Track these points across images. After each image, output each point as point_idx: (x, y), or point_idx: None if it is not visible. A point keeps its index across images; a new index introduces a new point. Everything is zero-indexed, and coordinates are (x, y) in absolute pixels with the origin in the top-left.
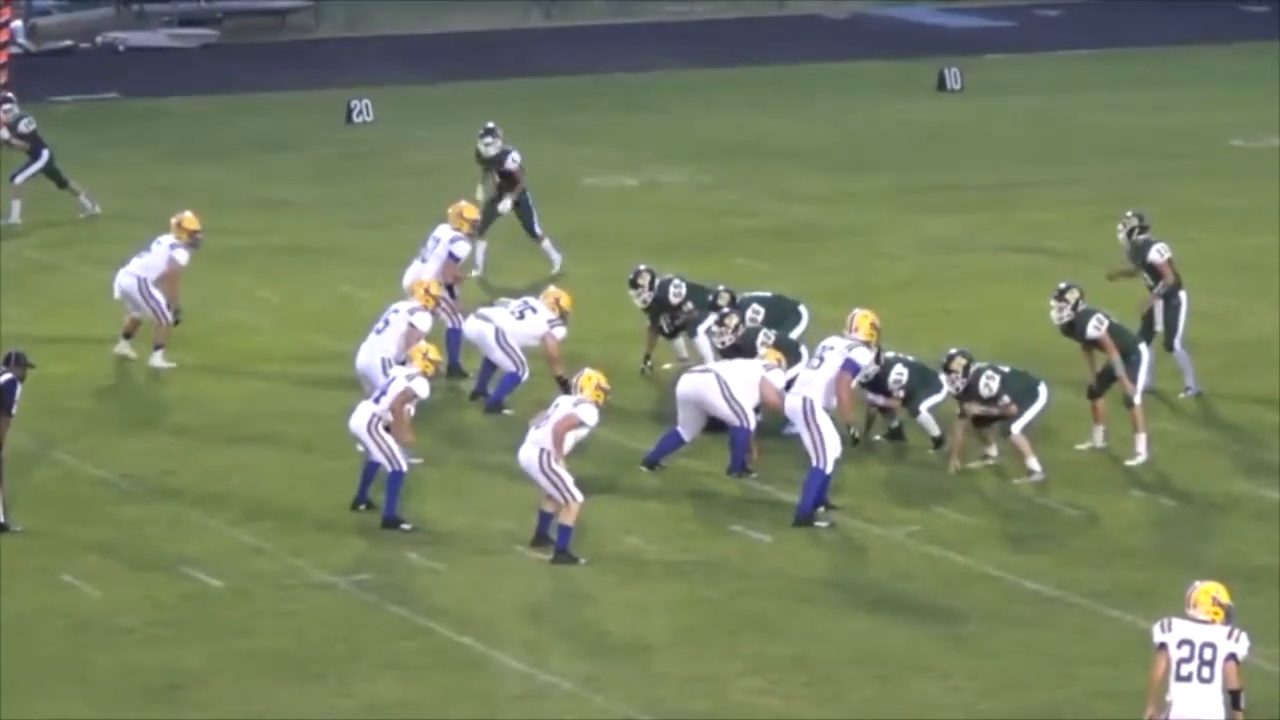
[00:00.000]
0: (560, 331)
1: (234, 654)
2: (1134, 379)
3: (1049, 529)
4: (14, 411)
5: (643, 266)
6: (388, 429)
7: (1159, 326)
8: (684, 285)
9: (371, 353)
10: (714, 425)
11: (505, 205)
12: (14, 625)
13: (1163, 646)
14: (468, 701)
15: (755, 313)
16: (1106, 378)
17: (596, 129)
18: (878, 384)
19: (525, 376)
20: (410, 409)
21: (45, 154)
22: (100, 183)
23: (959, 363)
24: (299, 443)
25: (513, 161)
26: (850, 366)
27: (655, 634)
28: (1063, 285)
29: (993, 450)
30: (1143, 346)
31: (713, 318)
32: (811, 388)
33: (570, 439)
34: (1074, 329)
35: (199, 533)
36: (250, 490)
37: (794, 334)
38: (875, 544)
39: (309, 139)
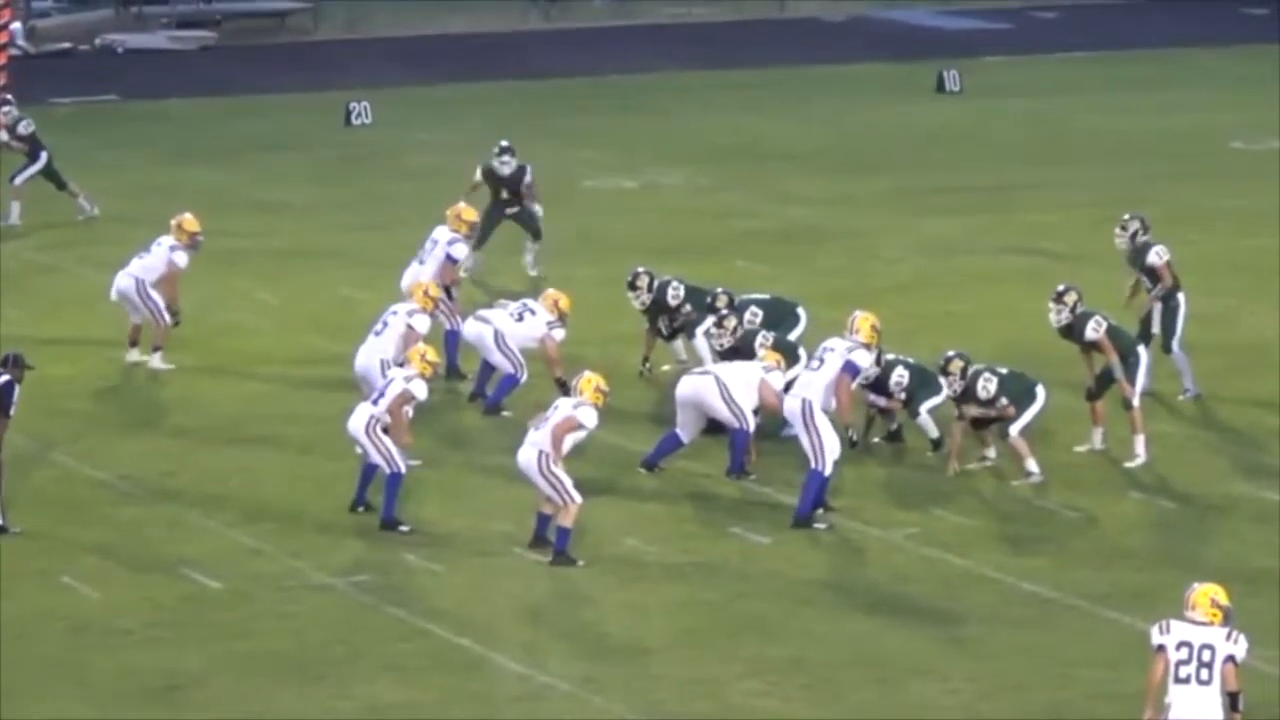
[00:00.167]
0: (559, 333)
1: (233, 655)
2: (1132, 381)
3: (1048, 531)
4: (13, 413)
5: (641, 269)
6: (386, 431)
7: (1157, 328)
8: (682, 287)
9: (370, 354)
10: (713, 427)
11: (538, 210)
12: (13, 627)
13: (1161, 648)
14: (467, 703)
15: (754, 315)
16: (1105, 380)
17: (595, 131)
18: (879, 386)
19: (524, 378)
20: (408, 411)
21: (44, 156)
22: (99, 184)
23: (956, 365)
24: (298, 444)
25: (527, 182)
26: (850, 369)
27: (654, 636)
28: (1061, 288)
29: (991, 452)
30: (1141, 348)
31: (711, 320)
32: (811, 389)
33: (569, 441)
34: (1072, 331)
35: (198, 534)
36: (249, 492)
37: (792, 336)
38: (874, 546)
39: (308, 141)
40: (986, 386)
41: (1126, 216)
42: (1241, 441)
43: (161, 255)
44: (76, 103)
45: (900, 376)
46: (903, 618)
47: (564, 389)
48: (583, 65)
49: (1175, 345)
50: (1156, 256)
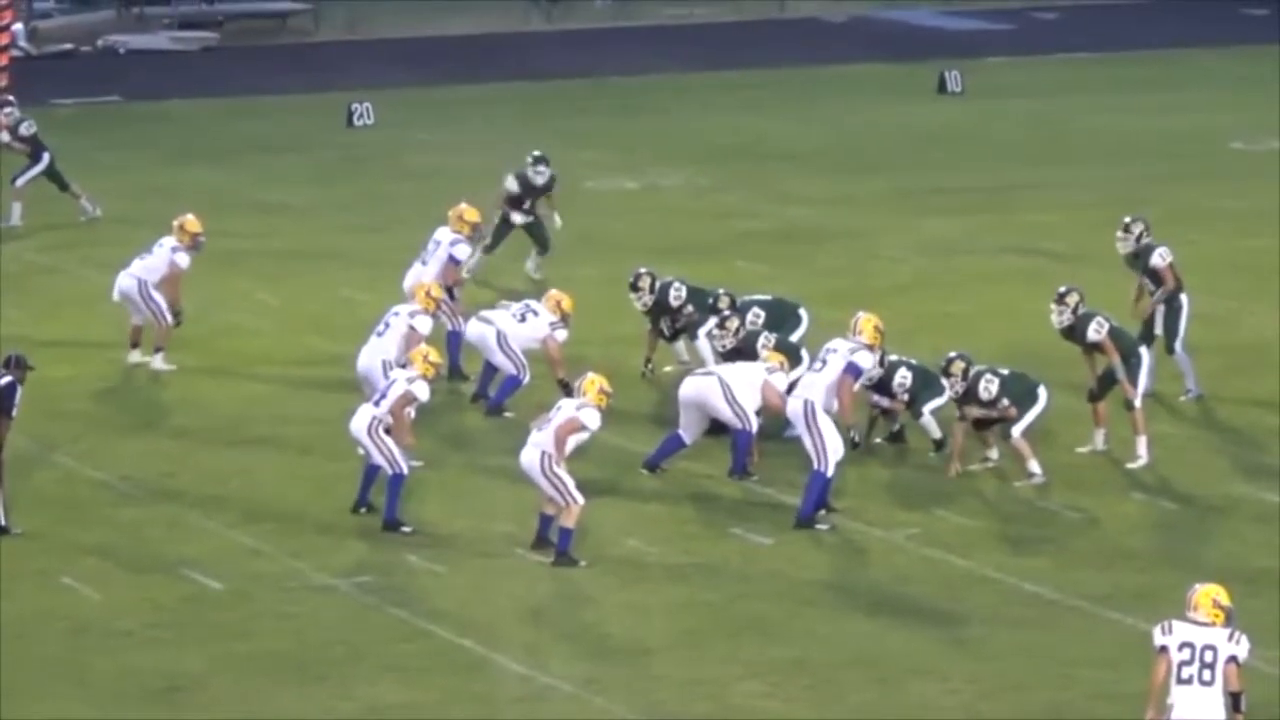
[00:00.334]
0: (562, 334)
1: (234, 656)
2: (1134, 382)
3: (1049, 532)
4: (14, 414)
5: (643, 270)
6: (388, 432)
7: (1159, 330)
8: (684, 288)
9: (372, 355)
10: (715, 428)
11: (557, 220)
12: (14, 628)
13: (1163, 649)
14: (468, 704)
15: (755, 316)
16: (1107, 381)
17: (596, 132)
18: (882, 386)
19: (526, 379)
20: (410, 412)
21: (46, 157)
22: (101, 185)
23: (958, 366)
24: (299, 445)
25: (556, 186)
26: (852, 370)
27: (656, 636)
28: (1063, 289)
29: (993, 453)
30: (1143, 349)
31: (713, 321)
32: (813, 391)
33: (572, 442)
34: (1074, 332)
35: (199, 535)
36: (250, 492)
37: (794, 337)
38: (876, 547)
39: (309, 142)
40: (988, 387)
41: (1128, 219)
42: (1242, 442)
43: (163, 256)
44: (78, 104)
45: (904, 377)
46: (904, 618)
47: (566, 390)
48: (584, 66)
49: (1177, 346)
50: (1160, 258)
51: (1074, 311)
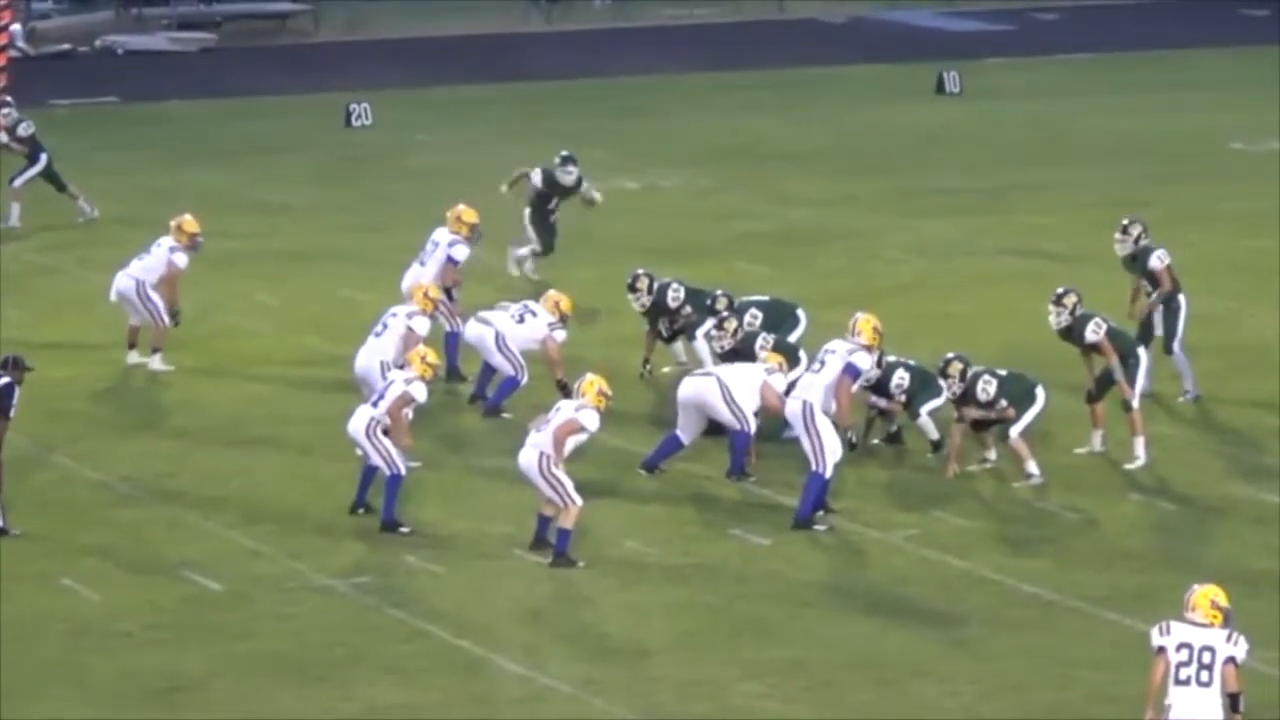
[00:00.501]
0: (560, 335)
1: (233, 657)
2: (1132, 383)
3: (1048, 532)
4: (12, 415)
5: (641, 270)
6: (386, 433)
7: (1158, 330)
8: (682, 289)
9: (370, 356)
10: (713, 429)
11: (597, 195)
12: (13, 629)
13: (1161, 650)
14: (467, 705)
15: (753, 317)
16: (1105, 381)
17: (595, 132)
18: (880, 387)
19: (524, 380)
20: (408, 413)
21: (44, 157)
22: (99, 186)
23: (956, 367)
24: (298, 446)
25: (585, 186)
26: (850, 371)
27: (654, 637)
28: (1061, 290)
29: (991, 454)
30: (1141, 350)
31: (711, 322)
32: (812, 391)
33: (571, 443)
34: (1072, 333)
35: (198, 536)
36: (249, 493)
37: (792, 338)
38: (874, 548)
39: (308, 142)
40: (986, 388)
41: (1126, 221)
42: (1241, 443)
43: (161, 256)
44: (76, 104)
45: (901, 378)
46: (903, 619)
47: (565, 391)
48: (583, 67)
49: (1176, 347)
50: (1158, 260)
51: (1072, 312)
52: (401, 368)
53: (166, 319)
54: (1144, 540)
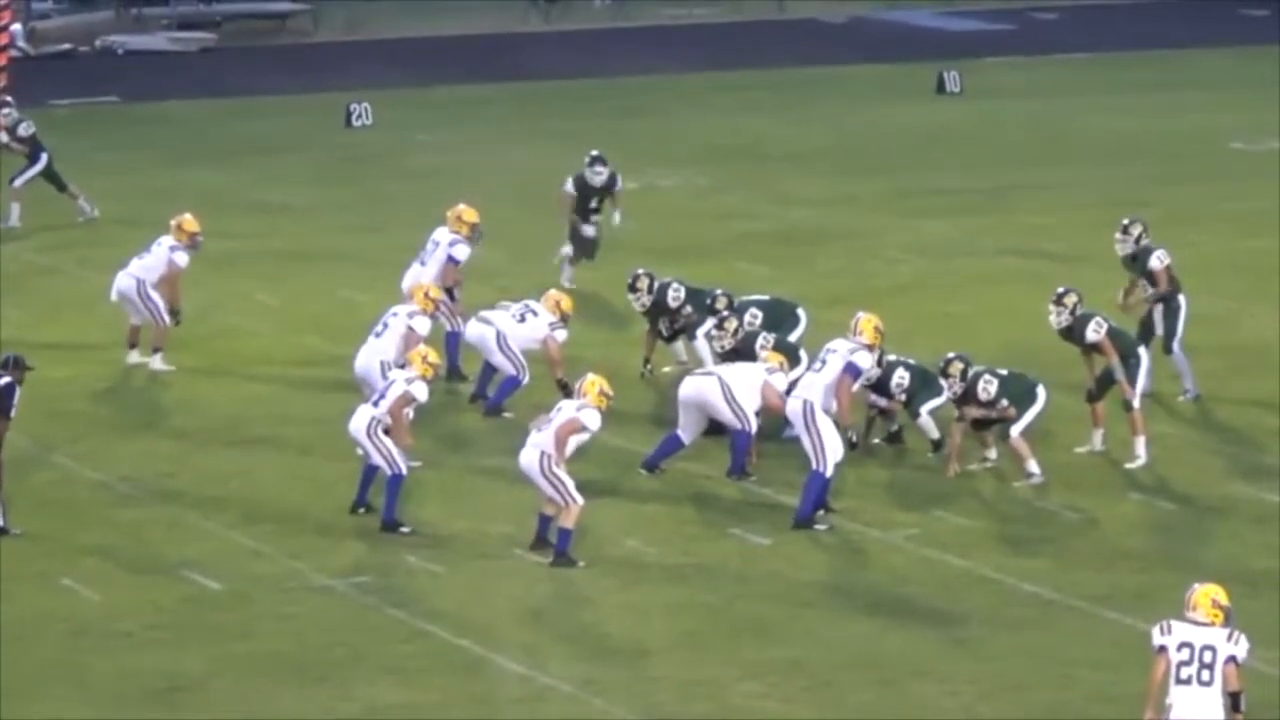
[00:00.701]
0: (561, 334)
1: (233, 657)
2: (1133, 382)
3: (1048, 532)
4: (13, 415)
5: (641, 270)
6: (387, 432)
7: (1158, 330)
8: (683, 289)
9: (370, 356)
10: (714, 428)
11: (616, 218)
12: (13, 629)
13: (1162, 649)
14: (467, 704)
15: (753, 316)
16: (1106, 381)
17: (595, 132)
18: (880, 387)
19: (526, 380)
20: (409, 412)
21: (44, 157)
22: (99, 186)
23: (956, 367)
24: (298, 446)
25: (618, 190)
26: (851, 370)
27: (654, 637)
28: (1061, 290)
29: (992, 453)
30: (1142, 350)
31: (712, 321)
32: (812, 391)
33: (572, 443)
34: (1073, 333)
35: (198, 536)
36: (249, 493)
37: (792, 337)
38: (874, 547)
39: (308, 142)
40: (987, 388)
41: (1127, 221)
42: (1241, 443)
43: (161, 255)
44: (76, 104)
45: (901, 378)
46: (903, 619)
47: (565, 390)
48: (582, 67)
49: (1176, 346)
50: (1157, 261)
51: (1072, 312)
52: (402, 367)
53: (167, 318)
54: (1144, 540)
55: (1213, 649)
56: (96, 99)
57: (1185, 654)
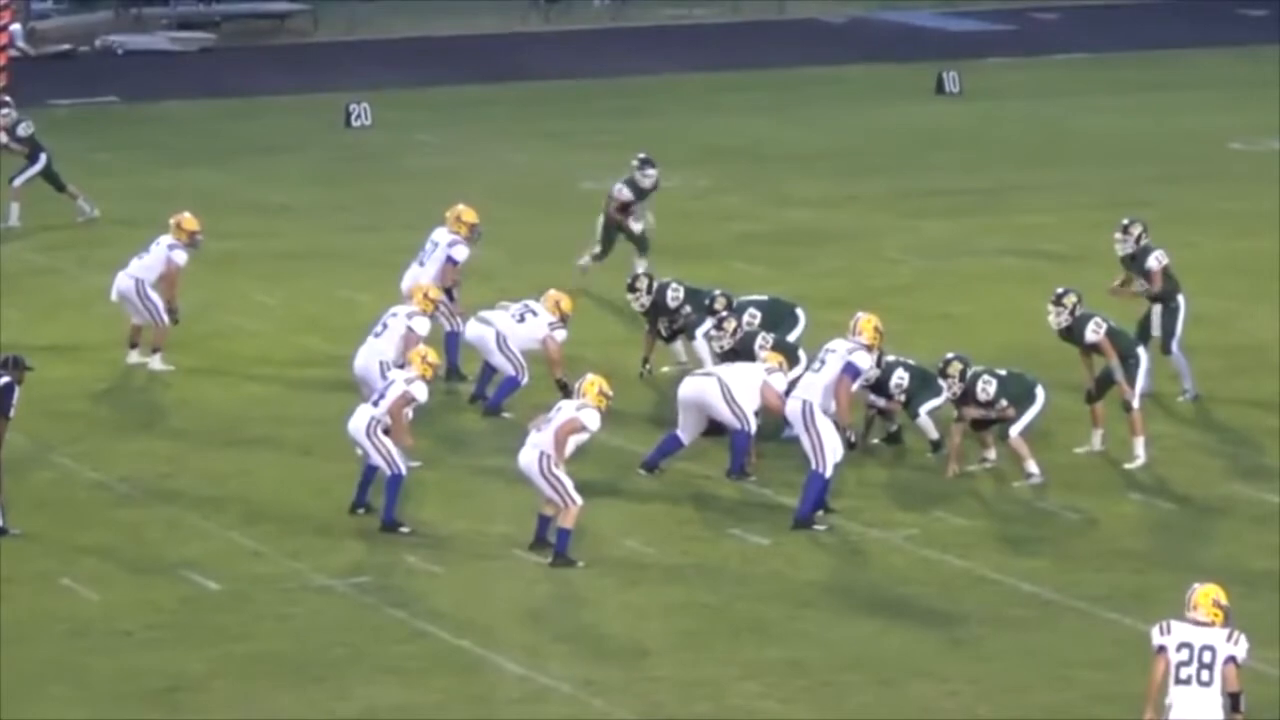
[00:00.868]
0: (561, 334)
1: (233, 657)
2: (1132, 383)
3: (1047, 532)
4: (12, 415)
5: (641, 270)
6: (386, 432)
7: (1155, 331)
8: (682, 289)
9: (370, 356)
10: (713, 429)
11: (650, 220)
12: (13, 629)
13: (1162, 649)
14: (466, 705)
15: (752, 316)
16: (1105, 381)
17: (594, 133)
18: (879, 387)
19: (525, 380)
20: (409, 412)
21: (43, 157)
22: (99, 186)
23: (955, 367)
24: (297, 446)
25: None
26: (850, 370)
27: (654, 638)
28: (1060, 290)
29: (991, 453)
30: (1141, 350)
31: (711, 322)
32: (812, 391)
33: (571, 443)
34: (1072, 333)
35: (197, 536)
36: (248, 493)
37: (791, 337)
38: (874, 547)
39: (307, 143)
40: (986, 388)
41: (1127, 221)
42: (1240, 443)
43: (160, 254)
44: (76, 104)
45: (900, 378)
46: (903, 619)
47: (564, 390)
48: (582, 67)
49: (1174, 347)
50: (1155, 261)
51: (1071, 312)
52: (402, 367)
53: (166, 319)
54: (1144, 540)
55: (1212, 649)
56: (96, 99)
57: (1185, 654)
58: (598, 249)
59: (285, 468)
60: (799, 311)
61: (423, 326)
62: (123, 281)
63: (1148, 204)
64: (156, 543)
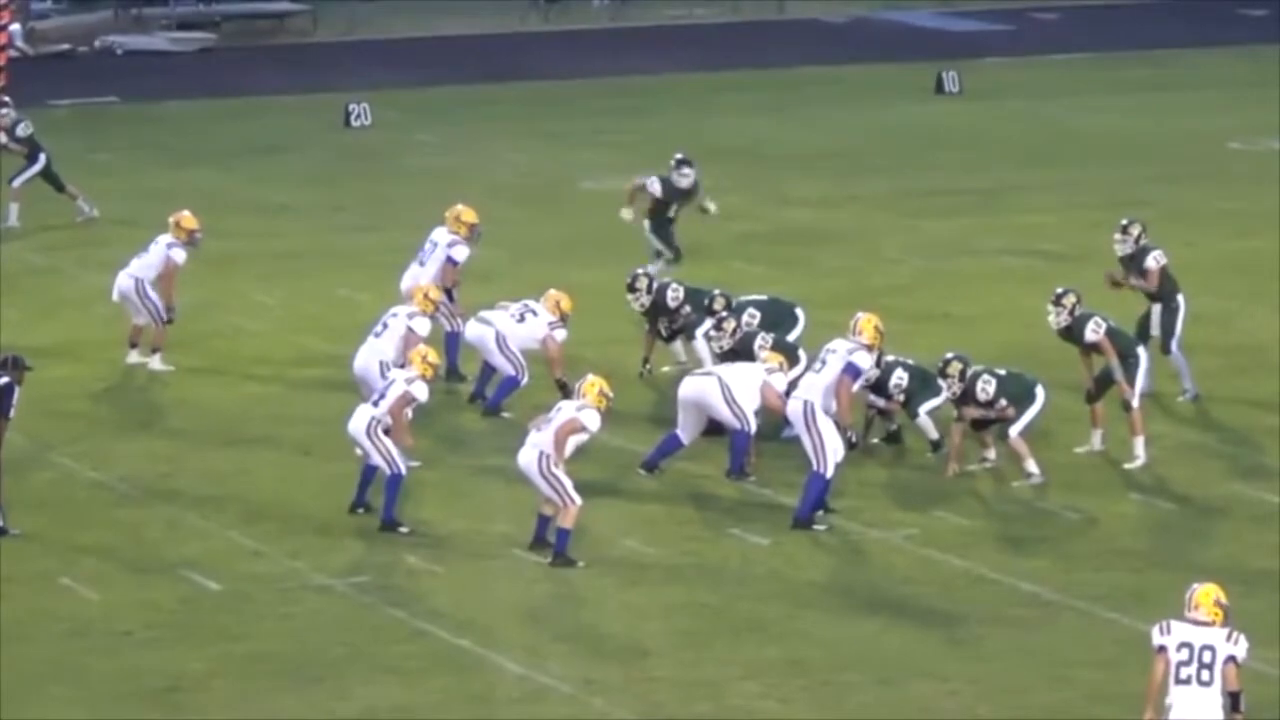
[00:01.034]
0: (561, 334)
1: (232, 657)
2: (1132, 382)
3: (1047, 532)
4: (12, 415)
5: (641, 270)
6: (386, 432)
7: (1155, 331)
8: (681, 289)
9: (369, 356)
10: (713, 428)
11: (713, 209)
12: (13, 629)
13: (1162, 649)
14: (466, 704)
15: (751, 316)
16: (1105, 381)
17: (594, 133)
18: (879, 387)
19: (525, 380)
20: (409, 412)
21: (43, 157)
22: (98, 186)
23: (955, 367)
24: (297, 446)
25: (701, 193)
26: (851, 370)
27: (653, 637)
28: (1060, 290)
29: (991, 453)
30: (1141, 350)
31: (710, 322)
32: (813, 391)
33: (571, 443)
34: (1072, 333)
35: (197, 536)
36: (248, 493)
37: (791, 337)
38: (873, 547)
39: (307, 142)
40: (985, 388)
41: (1126, 221)
42: (1240, 443)
43: (159, 253)
44: (75, 104)
45: (899, 378)
46: (902, 619)
47: (564, 390)
48: (582, 67)
49: (1174, 346)
50: (1154, 261)
51: (1071, 312)
52: (401, 367)
53: (165, 318)
54: (1143, 540)
55: (1212, 649)
56: (95, 99)
57: (1185, 654)
58: (660, 248)
59: (285, 467)
60: (799, 311)
61: (423, 327)
62: (123, 281)
63: (1147, 204)
64: (156, 542)
